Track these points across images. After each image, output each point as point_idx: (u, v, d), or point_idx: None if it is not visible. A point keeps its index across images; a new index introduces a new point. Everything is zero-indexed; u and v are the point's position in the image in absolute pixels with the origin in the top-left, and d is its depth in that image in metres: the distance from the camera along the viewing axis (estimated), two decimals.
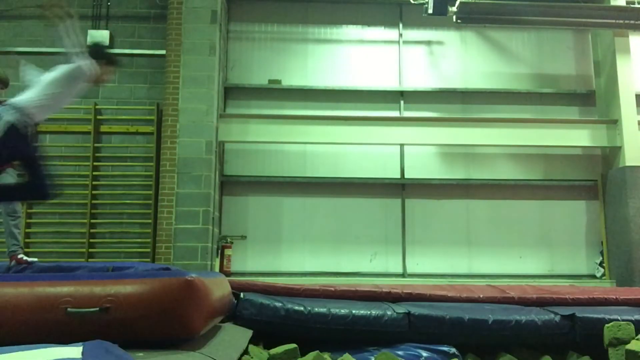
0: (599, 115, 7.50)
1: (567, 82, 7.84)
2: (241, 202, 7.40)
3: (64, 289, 2.42)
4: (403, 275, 7.25)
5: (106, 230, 6.98)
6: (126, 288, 2.43)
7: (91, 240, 6.87)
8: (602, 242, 7.30)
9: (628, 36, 7.28)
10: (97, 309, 2.34)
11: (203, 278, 2.60)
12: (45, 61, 7.19)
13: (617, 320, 3.77)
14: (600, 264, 7.26)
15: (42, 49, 7.12)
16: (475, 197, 7.51)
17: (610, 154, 7.34)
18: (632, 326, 3.59)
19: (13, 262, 3.87)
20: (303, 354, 3.34)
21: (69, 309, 2.33)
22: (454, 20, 6.94)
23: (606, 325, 3.63)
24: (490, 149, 7.52)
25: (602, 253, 7.27)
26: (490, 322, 3.75)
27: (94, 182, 6.98)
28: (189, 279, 2.48)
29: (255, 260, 7.23)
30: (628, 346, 3.40)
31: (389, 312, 3.77)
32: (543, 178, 7.55)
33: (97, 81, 3.71)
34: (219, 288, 3.05)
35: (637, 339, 3.51)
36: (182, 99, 6.68)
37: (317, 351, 3.29)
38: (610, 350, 3.54)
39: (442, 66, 7.84)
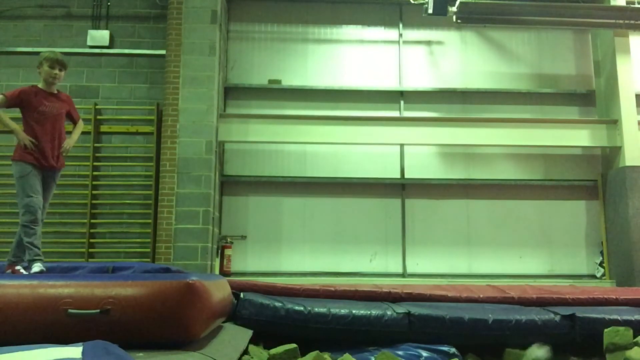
0: (599, 115, 7.50)
1: (567, 82, 7.84)
2: (241, 202, 7.40)
3: (65, 290, 2.41)
4: (403, 275, 7.25)
5: (106, 230, 6.98)
6: (127, 290, 2.43)
7: (91, 240, 6.87)
8: (602, 242, 7.30)
9: (628, 36, 7.28)
10: (98, 310, 2.34)
11: (204, 281, 2.59)
12: None
13: (617, 320, 3.78)
14: (600, 264, 7.26)
15: (42, 49, 7.11)
16: (475, 197, 7.51)
17: (610, 154, 7.34)
18: (631, 332, 3.59)
19: (9, 271, 3.83)
20: (303, 354, 3.34)
21: (69, 310, 2.33)
22: (454, 20, 6.94)
23: (605, 330, 3.62)
24: (490, 149, 7.52)
25: (602, 253, 7.27)
26: (490, 322, 3.76)
27: (94, 182, 6.98)
28: (190, 282, 2.48)
29: (255, 260, 7.23)
30: (628, 353, 3.40)
31: (389, 312, 3.77)
32: (543, 178, 7.55)
33: None
34: (220, 290, 3.04)
35: (637, 343, 3.51)
36: (182, 99, 6.69)
37: (317, 351, 3.29)
38: (608, 356, 3.53)
39: (442, 66, 7.84)
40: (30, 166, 3.72)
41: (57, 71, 3.86)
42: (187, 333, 2.48)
